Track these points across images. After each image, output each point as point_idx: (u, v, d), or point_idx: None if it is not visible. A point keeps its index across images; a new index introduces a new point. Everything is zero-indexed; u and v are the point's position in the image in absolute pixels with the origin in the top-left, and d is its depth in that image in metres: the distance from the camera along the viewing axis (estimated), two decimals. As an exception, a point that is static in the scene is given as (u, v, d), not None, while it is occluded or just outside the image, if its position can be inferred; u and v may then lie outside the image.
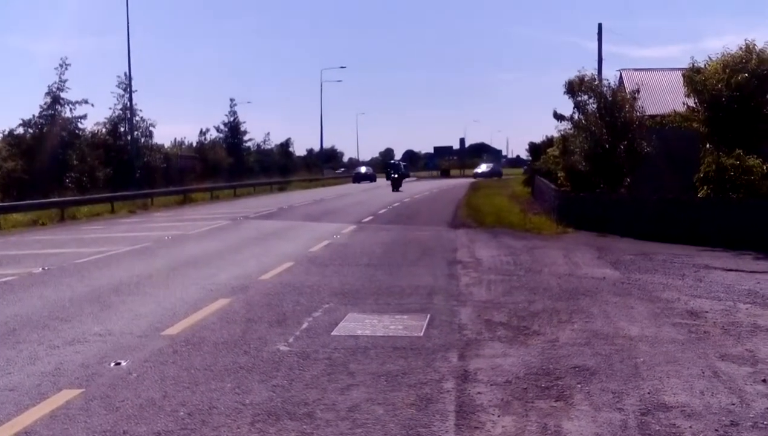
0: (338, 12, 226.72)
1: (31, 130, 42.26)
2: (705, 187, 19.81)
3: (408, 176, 77.36)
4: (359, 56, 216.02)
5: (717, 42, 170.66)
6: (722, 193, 19.23)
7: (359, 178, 75.95)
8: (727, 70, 20.40)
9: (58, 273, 13.81)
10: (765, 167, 18.92)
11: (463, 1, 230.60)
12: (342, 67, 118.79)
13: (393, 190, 47.10)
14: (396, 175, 51.70)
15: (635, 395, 6.19)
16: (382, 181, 73.12)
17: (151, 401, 6.20)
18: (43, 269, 14.33)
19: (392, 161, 73.37)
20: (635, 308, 9.92)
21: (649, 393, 6.22)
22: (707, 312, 9.60)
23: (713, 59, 21.19)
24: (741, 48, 20.83)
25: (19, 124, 42.21)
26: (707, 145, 20.69)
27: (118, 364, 7.33)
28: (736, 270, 13.59)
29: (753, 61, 20.40)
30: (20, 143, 40.76)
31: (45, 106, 42.33)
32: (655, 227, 18.98)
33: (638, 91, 23.51)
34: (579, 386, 6.46)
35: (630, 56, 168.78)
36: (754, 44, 20.76)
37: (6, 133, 41.54)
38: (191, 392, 6.43)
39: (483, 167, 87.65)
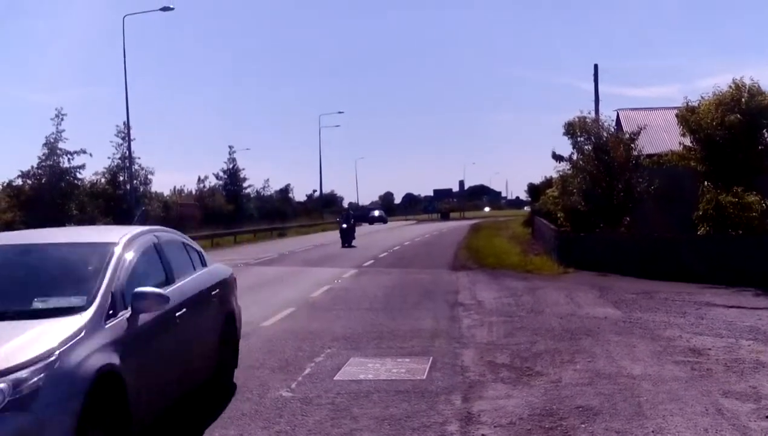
0: (335, 58, 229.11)
1: (29, 182, 42.35)
2: (704, 225, 19.89)
3: (386, 221, 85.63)
4: (357, 101, 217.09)
5: (710, 81, 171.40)
6: (722, 230, 19.29)
7: (373, 220, 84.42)
8: (720, 109, 20.58)
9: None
10: (764, 204, 19.01)
11: (459, 45, 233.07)
12: (340, 112, 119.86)
13: (342, 246, 36.52)
14: (345, 226, 38.03)
15: (639, 434, 6.18)
16: (393, 224, 76.28)
17: (154, 449, 6.18)
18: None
19: (347, 207, 45.73)
20: (637, 346, 9.92)
21: (653, 432, 6.21)
22: (710, 349, 9.60)
23: (706, 98, 21.39)
24: (731, 86, 21.04)
25: (18, 176, 42.34)
26: (705, 183, 20.80)
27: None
28: (738, 307, 13.59)
29: (744, 98, 20.57)
30: (19, 194, 40.78)
31: (43, 157, 42.43)
32: (655, 265, 19.01)
33: (639, 132, 23.72)
34: (583, 426, 6.45)
35: (626, 96, 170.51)
36: (743, 82, 20.98)
37: (5, 184, 41.64)
38: (195, 440, 6.41)
39: (375, 213, 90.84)
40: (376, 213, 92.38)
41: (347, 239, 37.24)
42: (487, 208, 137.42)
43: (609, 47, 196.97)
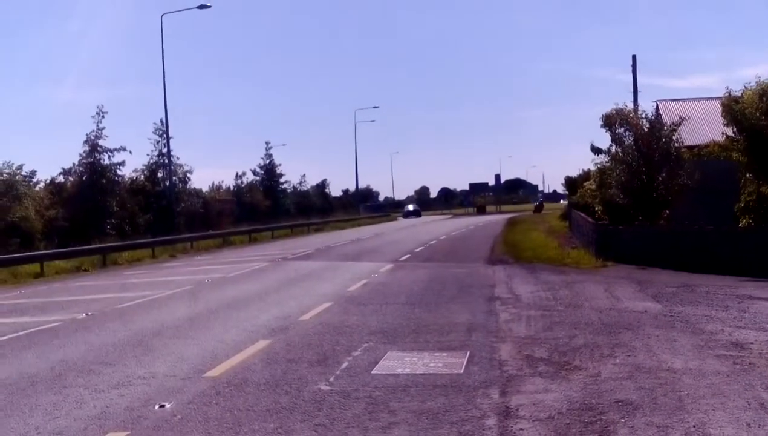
0: (370, 53, 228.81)
1: (71, 179, 43.05)
2: (746, 217, 19.60)
3: (420, 215, 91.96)
4: (392, 96, 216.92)
5: (752, 71, 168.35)
6: (764, 222, 18.99)
7: (408, 214, 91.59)
8: (764, 99, 20.21)
9: (102, 318, 14.00)
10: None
11: (495, 38, 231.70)
12: (375, 107, 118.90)
13: None
14: None
15: (680, 428, 6.11)
16: (429, 218, 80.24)
17: (195, 442, 6.25)
18: (86, 314, 14.54)
19: None
20: (678, 340, 9.81)
21: (694, 426, 6.14)
22: (752, 343, 9.46)
23: (749, 88, 21.02)
24: (777, 75, 20.66)
25: (60, 173, 43.13)
26: (747, 175, 20.47)
27: (163, 406, 7.41)
28: (781, 300, 13.37)
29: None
30: (61, 191, 41.57)
31: (84, 155, 43.09)
32: (696, 258, 18.77)
33: (680, 122, 23.41)
34: (623, 420, 6.40)
35: (664, 87, 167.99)
36: None
37: (47, 181, 42.40)
38: (234, 432, 6.47)
39: (410, 207, 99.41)
40: (411, 207, 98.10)
41: None
42: (410, 206, 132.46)
43: (648, 38, 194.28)
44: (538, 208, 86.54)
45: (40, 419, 7.15)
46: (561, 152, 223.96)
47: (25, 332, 12.70)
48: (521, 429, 6.27)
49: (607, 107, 24.17)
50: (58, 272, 26.29)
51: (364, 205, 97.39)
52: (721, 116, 21.65)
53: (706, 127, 28.55)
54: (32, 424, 6.99)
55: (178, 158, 51.25)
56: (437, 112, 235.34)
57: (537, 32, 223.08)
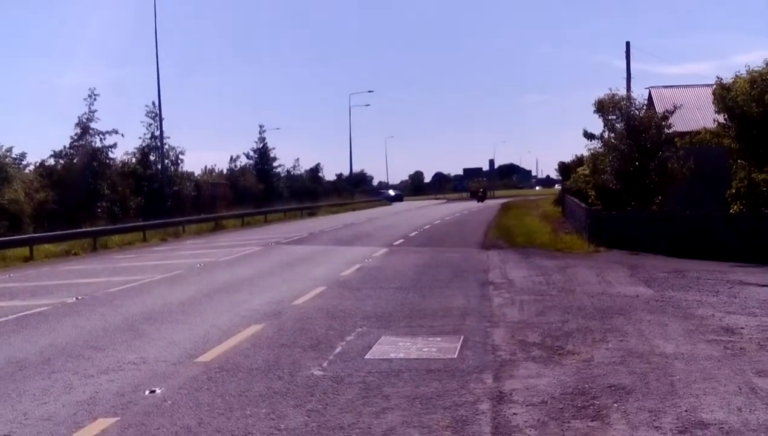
0: (365, 37, 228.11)
1: (62, 161, 42.71)
2: (737, 203, 19.63)
3: (402, 200, 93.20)
4: (387, 80, 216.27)
5: (745, 58, 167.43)
6: (755, 208, 19.03)
7: (393, 199, 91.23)
8: (755, 87, 20.22)
9: (92, 302, 13.93)
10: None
11: (490, 23, 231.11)
12: (370, 92, 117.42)
13: None
14: None
15: (672, 413, 6.12)
16: (422, 203, 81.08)
17: (186, 428, 6.22)
18: (76, 298, 14.47)
19: None
20: (670, 325, 9.83)
21: (686, 411, 6.15)
22: (743, 328, 9.49)
23: (740, 76, 21.02)
24: (767, 63, 20.65)
25: (50, 156, 42.75)
26: (739, 161, 20.50)
27: (153, 392, 7.36)
28: (772, 286, 13.40)
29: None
30: (51, 174, 41.20)
31: (75, 137, 42.68)
32: (687, 244, 18.83)
33: (674, 110, 23.41)
34: (615, 405, 6.40)
35: (658, 73, 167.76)
36: None
37: (37, 164, 42.08)
38: (226, 418, 6.44)
39: (391, 192, 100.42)
40: (392, 193, 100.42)
41: None
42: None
43: (645, 24, 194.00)
44: (480, 197, 74.82)
45: (28, 405, 7.10)
46: (555, 138, 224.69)
47: (14, 316, 12.62)
48: (514, 414, 6.26)
49: (602, 93, 24.16)
50: (47, 256, 26.13)
51: (356, 189, 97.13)
52: (713, 104, 21.66)
53: (697, 114, 28.52)
54: (20, 409, 6.95)
55: (168, 138, 50.74)
56: (432, 97, 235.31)
57: (533, 17, 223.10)
